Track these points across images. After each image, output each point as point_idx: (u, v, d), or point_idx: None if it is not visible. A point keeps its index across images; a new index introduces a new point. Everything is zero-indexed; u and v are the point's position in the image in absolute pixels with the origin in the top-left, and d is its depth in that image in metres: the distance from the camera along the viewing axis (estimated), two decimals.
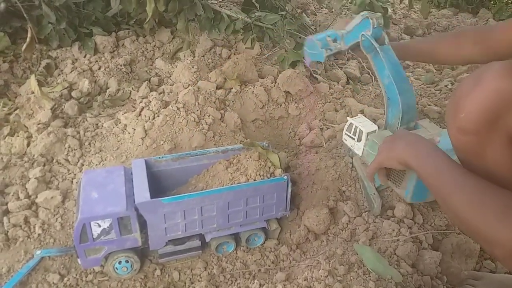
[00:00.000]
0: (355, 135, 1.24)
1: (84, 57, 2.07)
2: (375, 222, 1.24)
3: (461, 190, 0.77)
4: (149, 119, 1.57)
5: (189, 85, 1.78)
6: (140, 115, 1.60)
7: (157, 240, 1.18)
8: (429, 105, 1.82)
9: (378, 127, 1.23)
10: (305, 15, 2.33)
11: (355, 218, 1.27)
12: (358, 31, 1.24)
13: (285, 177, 1.20)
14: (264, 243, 1.28)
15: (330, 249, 1.19)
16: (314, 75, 1.96)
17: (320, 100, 1.82)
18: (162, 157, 1.28)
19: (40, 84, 1.73)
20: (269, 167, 1.22)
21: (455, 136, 0.82)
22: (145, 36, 2.22)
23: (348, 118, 1.28)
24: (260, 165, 1.22)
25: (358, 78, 2.07)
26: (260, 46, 2.21)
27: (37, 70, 1.93)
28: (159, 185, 1.30)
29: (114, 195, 1.14)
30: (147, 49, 2.17)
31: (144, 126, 1.54)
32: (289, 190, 1.22)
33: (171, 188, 1.32)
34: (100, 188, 1.15)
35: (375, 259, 1.08)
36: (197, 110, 1.61)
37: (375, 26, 1.21)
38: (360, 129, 1.22)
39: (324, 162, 1.42)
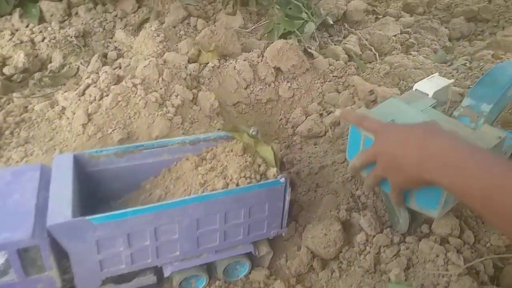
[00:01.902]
0: None
1: (26, 26, 1.58)
2: (407, 243, 0.82)
3: None
4: (95, 99, 1.10)
5: (152, 57, 1.32)
6: (83, 94, 1.13)
7: (88, 279, 0.73)
8: None
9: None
10: None
11: (374, 236, 0.84)
12: None
13: (282, 180, 0.76)
14: (250, 273, 0.85)
15: (346, 285, 0.76)
16: (309, 50, 1.52)
17: (318, 79, 1.38)
18: (101, 150, 0.82)
19: None
20: (259, 165, 0.78)
21: None
22: (105, 4, 1.74)
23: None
24: (246, 162, 0.77)
25: (359, 55, 1.64)
26: (243, 18, 1.76)
27: None
28: (99, 192, 0.85)
29: (17, 212, 0.68)
30: (106, 19, 1.69)
31: (88, 108, 1.08)
32: (288, 198, 0.78)
33: (117, 194, 0.86)
34: None
35: None
36: (161, 88, 1.15)
37: None
38: None
39: (331, 157, 0.99)
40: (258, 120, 1.34)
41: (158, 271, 0.78)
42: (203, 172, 0.77)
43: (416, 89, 0.83)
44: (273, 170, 0.77)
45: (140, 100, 1.09)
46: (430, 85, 0.82)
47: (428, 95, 0.81)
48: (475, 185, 0.53)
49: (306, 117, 1.28)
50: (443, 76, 1.47)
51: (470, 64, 1.55)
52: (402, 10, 2.26)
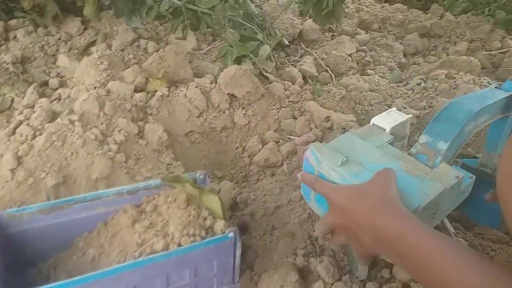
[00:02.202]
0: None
1: None
2: None
3: None
4: (27, 139, 0.99)
5: (94, 88, 1.21)
6: (13, 133, 1.01)
7: None
8: (405, 107, 1.38)
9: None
10: (250, 1, 1.82)
11: (333, 284, 0.77)
12: None
13: (231, 235, 0.68)
14: None
15: None
16: (265, 73, 1.46)
17: (274, 105, 1.32)
18: (24, 209, 0.71)
19: None
20: (204, 218, 0.70)
21: None
22: (47, 26, 1.61)
23: None
24: (189, 216, 0.69)
25: (315, 77, 1.60)
26: (197, 39, 1.68)
27: None
28: (24, 254, 0.73)
29: None
30: (48, 43, 1.56)
31: (18, 150, 0.96)
32: (238, 252, 0.70)
33: (46, 255, 0.75)
34: None
35: None
36: (102, 124, 1.04)
37: None
38: None
39: (287, 194, 0.92)
40: (212, 150, 1.26)
41: None
42: (141, 230, 0.68)
43: (373, 124, 0.78)
44: (220, 224, 0.68)
45: (77, 138, 0.98)
46: (388, 120, 0.77)
47: (385, 130, 0.76)
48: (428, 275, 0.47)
49: (263, 146, 1.22)
50: (398, 97, 1.45)
51: (425, 83, 1.54)
52: (357, 26, 2.25)
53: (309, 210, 0.88)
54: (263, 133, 1.27)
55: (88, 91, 1.17)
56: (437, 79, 1.52)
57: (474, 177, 0.67)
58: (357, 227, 0.55)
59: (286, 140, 1.21)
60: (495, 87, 0.81)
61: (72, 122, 1.01)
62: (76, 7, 1.59)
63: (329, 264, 0.77)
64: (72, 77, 1.39)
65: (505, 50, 1.99)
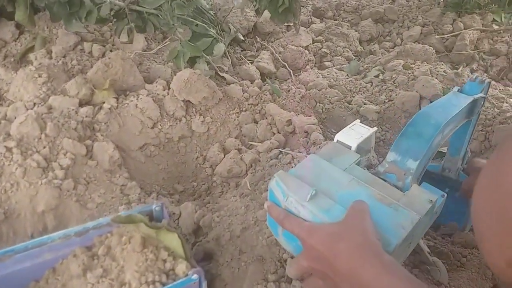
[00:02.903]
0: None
1: None
2: None
3: None
4: None
5: (34, 104, 1.09)
6: None
7: None
8: (365, 103, 1.36)
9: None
10: None
11: None
12: None
13: (195, 276, 0.62)
14: None
15: None
16: (221, 73, 1.39)
17: (233, 109, 1.26)
18: None
19: None
20: (164, 261, 0.64)
21: (505, 271, 0.40)
22: None
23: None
24: (147, 260, 0.62)
25: (274, 73, 1.55)
26: (146, 38, 1.57)
27: None
28: None
29: None
30: None
31: None
32: None
33: None
34: None
35: None
36: (44, 147, 0.94)
37: None
38: None
39: (253, 213, 0.87)
40: (171, 162, 1.19)
41: None
42: (94, 280, 0.61)
43: (337, 141, 0.73)
44: (182, 266, 0.62)
45: (16, 168, 0.88)
46: (353, 135, 0.72)
47: (351, 147, 0.71)
48: None
49: (225, 155, 1.15)
50: (358, 92, 1.43)
51: (383, 75, 1.53)
52: (312, 15, 2.21)
53: None
54: (224, 140, 1.20)
55: (27, 109, 1.06)
56: (394, 70, 1.51)
57: (446, 195, 0.65)
58: (336, 274, 0.51)
59: (249, 148, 1.16)
60: (458, 91, 0.79)
61: (9, 149, 0.90)
62: (7, 11, 1.43)
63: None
64: (9, 90, 1.25)
65: (456, 33, 2.01)
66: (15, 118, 1.04)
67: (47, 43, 1.47)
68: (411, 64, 1.52)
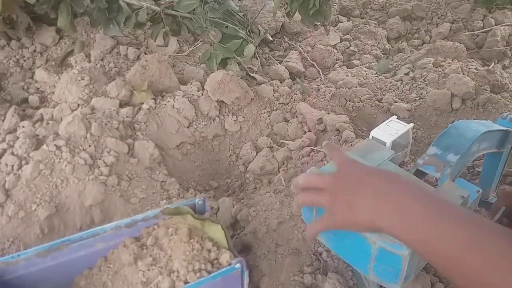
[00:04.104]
0: None
1: None
2: None
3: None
4: (13, 169, 0.94)
5: (78, 105, 1.16)
6: None
7: None
8: (396, 101, 1.37)
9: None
10: None
11: None
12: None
13: (238, 266, 0.66)
14: None
15: None
16: (251, 74, 1.42)
17: (265, 108, 1.29)
18: (18, 255, 0.68)
19: None
20: (209, 251, 0.68)
21: None
22: (20, 38, 1.53)
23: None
24: (193, 250, 0.66)
25: (302, 73, 1.57)
26: (178, 41, 1.62)
27: None
28: None
29: None
30: (23, 57, 1.48)
31: (5, 182, 0.92)
32: (246, 281, 0.69)
33: None
34: None
35: None
36: (90, 146, 1.00)
37: None
38: None
39: (288, 208, 0.90)
40: (206, 160, 1.23)
41: None
42: (144, 268, 0.65)
43: (372, 137, 0.75)
44: (226, 256, 0.66)
45: (66, 165, 0.94)
46: (388, 132, 0.75)
47: (385, 144, 0.74)
48: (438, 243, 0.46)
49: (257, 152, 1.19)
50: (388, 90, 1.44)
51: (413, 73, 1.53)
52: (339, 14, 2.22)
53: None
54: (256, 139, 1.24)
55: (72, 110, 1.12)
56: (425, 68, 1.51)
57: (481, 191, 0.66)
58: (355, 189, 0.53)
59: (280, 146, 1.19)
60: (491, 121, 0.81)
61: (58, 147, 0.96)
62: (48, 16, 1.52)
63: (337, 281, 0.77)
64: (53, 92, 1.33)
65: (487, 29, 1.98)
66: (61, 118, 1.11)
67: (85, 47, 1.55)
68: (441, 61, 1.51)
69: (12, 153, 0.97)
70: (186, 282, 0.63)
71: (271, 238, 0.86)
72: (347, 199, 0.54)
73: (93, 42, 1.54)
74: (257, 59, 1.61)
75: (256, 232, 0.87)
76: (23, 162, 0.95)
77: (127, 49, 1.50)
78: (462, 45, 1.65)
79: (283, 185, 0.99)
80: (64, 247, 0.70)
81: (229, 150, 1.25)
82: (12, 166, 0.94)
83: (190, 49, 1.61)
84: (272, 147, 1.19)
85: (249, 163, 1.18)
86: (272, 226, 0.87)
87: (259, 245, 0.86)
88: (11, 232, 0.86)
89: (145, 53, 1.53)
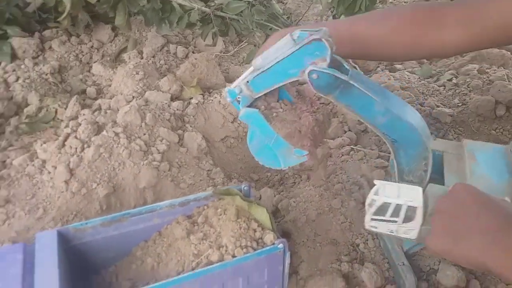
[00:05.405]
0: (397, 216, 0.64)
1: None
2: None
3: None
4: (76, 151, 1.06)
5: (133, 97, 1.27)
6: (63, 145, 1.08)
7: None
8: (438, 106, 1.40)
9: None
10: (274, 1, 1.84)
11: None
12: (296, 64, 0.68)
13: (281, 246, 0.73)
14: None
15: None
16: None
17: (306, 107, 1.35)
18: (86, 223, 0.77)
19: None
20: (254, 230, 0.75)
21: None
22: (79, 35, 1.67)
23: (369, 196, 0.66)
24: (240, 228, 0.74)
25: None
26: (223, 41, 1.72)
27: None
28: (88, 263, 0.80)
29: None
30: (82, 52, 1.63)
31: (69, 162, 1.03)
32: (287, 261, 0.76)
33: (107, 263, 0.82)
34: None
35: None
36: (144, 134, 1.10)
37: (332, 49, 0.66)
38: (407, 205, 0.63)
39: (327, 201, 0.96)
40: (248, 154, 1.30)
41: None
42: (196, 242, 0.73)
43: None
44: (270, 236, 0.73)
45: (123, 149, 1.04)
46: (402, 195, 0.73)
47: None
48: None
49: None
50: (430, 95, 1.46)
51: (456, 79, 1.55)
52: None
53: (350, 216, 0.92)
54: None
55: (128, 102, 1.23)
56: (469, 74, 1.52)
57: None
58: (463, 220, 0.53)
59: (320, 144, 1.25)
60: None
61: (116, 134, 1.07)
62: (105, 14, 1.65)
63: (373, 271, 0.82)
64: (109, 85, 1.45)
65: None
66: (117, 108, 1.22)
67: (138, 45, 1.67)
68: (486, 69, 1.52)
69: (76, 137, 1.08)
70: (233, 256, 0.71)
71: (310, 228, 0.92)
72: (452, 229, 0.54)
73: (145, 40, 1.66)
74: None
75: (296, 221, 0.94)
76: (85, 145, 1.06)
77: (177, 47, 1.61)
78: (509, 52, 1.65)
79: (323, 180, 1.05)
80: (124, 220, 0.79)
81: None
82: (76, 148, 1.06)
83: (235, 49, 1.70)
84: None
85: None
86: (312, 216, 0.94)
87: (299, 233, 0.92)
88: (74, 207, 0.97)
89: (193, 52, 1.64)
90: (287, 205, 0.98)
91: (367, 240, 0.89)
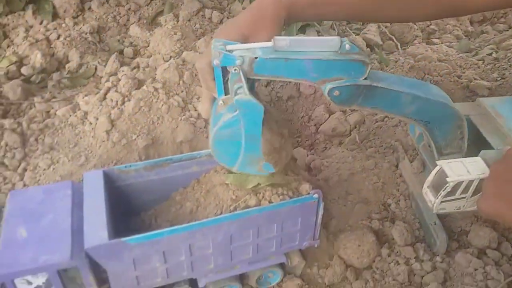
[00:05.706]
0: (466, 192, 0.65)
1: (40, 23, 1.57)
2: (442, 255, 0.82)
3: None
4: (117, 104, 1.10)
5: (170, 57, 1.30)
6: (104, 98, 1.12)
7: None
8: (476, 79, 1.37)
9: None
10: None
11: (405, 246, 0.84)
12: (324, 72, 0.63)
13: (315, 196, 0.75)
14: (282, 281, 0.86)
15: None
16: None
17: None
18: (130, 165, 0.82)
19: None
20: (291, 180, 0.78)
21: None
22: None
23: (430, 179, 0.68)
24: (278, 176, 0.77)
25: (380, 45, 1.60)
26: None
27: None
28: (129, 204, 0.85)
29: (53, 233, 0.69)
30: (119, 14, 1.66)
31: (110, 114, 1.07)
32: (320, 212, 0.78)
33: (147, 206, 0.87)
34: (31, 220, 0.70)
35: None
36: (182, 91, 1.13)
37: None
38: (479, 179, 0.63)
39: (360, 163, 0.98)
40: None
41: (192, 282, 0.79)
42: (234, 188, 0.77)
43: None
44: (306, 186, 0.76)
45: (162, 105, 1.08)
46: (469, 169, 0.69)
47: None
48: None
49: (330, 115, 1.27)
50: (469, 68, 1.43)
51: (496, 54, 1.51)
52: None
53: (382, 177, 0.93)
54: (329, 103, 1.31)
55: (165, 61, 1.26)
56: (510, 49, 1.48)
57: None
58: None
59: (353, 111, 1.25)
60: None
61: (156, 89, 1.11)
62: None
63: (404, 229, 0.84)
64: (145, 46, 1.49)
65: None
66: (155, 67, 1.25)
67: (174, 8, 1.69)
68: None
69: (116, 91, 1.12)
70: (270, 202, 0.74)
71: (342, 187, 0.94)
72: (505, 192, 0.55)
73: (181, 4, 1.68)
74: (334, 30, 1.67)
75: (328, 180, 0.96)
76: (126, 99, 1.10)
77: (212, 12, 1.62)
78: None
79: (358, 141, 1.06)
80: (166, 165, 0.83)
81: (302, 111, 1.33)
82: (117, 101, 1.10)
83: None
84: (346, 111, 1.26)
85: (321, 124, 1.26)
86: (344, 176, 0.96)
87: (331, 192, 0.94)
88: (115, 156, 1.02)
89: (227, 18, 1.65)
90: (320, 165, 1.00)
91: (399, 200, 0.90)
